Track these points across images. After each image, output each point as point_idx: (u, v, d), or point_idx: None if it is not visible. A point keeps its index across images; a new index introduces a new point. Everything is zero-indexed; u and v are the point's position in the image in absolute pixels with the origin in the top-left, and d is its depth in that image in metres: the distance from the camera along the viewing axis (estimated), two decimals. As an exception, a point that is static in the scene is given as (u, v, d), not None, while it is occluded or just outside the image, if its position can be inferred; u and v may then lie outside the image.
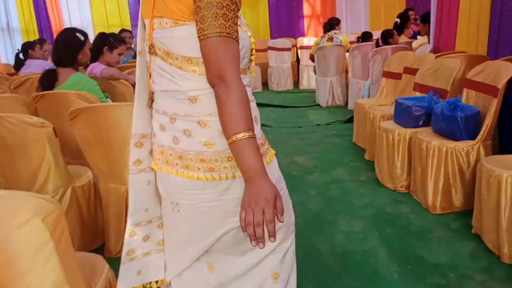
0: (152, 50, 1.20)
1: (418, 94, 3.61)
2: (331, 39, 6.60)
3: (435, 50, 4.62)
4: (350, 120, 5.45)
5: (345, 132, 5.06)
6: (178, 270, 1.34)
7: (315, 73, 6.92)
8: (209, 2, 1.04)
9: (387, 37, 5.44)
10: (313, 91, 7.32)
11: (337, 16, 9.24)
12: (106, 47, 3.38)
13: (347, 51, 6.54)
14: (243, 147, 1.05)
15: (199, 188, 1.19)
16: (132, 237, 1.34)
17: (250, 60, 1.23)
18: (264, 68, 9.22)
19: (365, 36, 6.23)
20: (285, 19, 9.91)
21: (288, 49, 8.95)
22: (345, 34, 7.01)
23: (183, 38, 1.12)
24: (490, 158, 2.55)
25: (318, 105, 6.88)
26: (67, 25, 8.73)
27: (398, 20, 6.07)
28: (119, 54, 3.48)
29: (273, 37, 9.95)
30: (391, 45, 5.28)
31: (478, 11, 3.88)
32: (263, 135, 1.26)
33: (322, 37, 6.72)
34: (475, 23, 3.95)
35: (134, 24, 9.22)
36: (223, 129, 1.09)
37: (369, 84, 5.52)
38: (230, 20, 1.07)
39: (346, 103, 6.58)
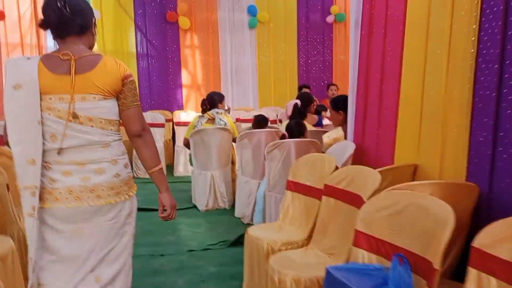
0: (70, 118, 1.71)
1: (363, 252, 1.95)
2: (212, 120, 4.94)
3: (359, 155, 3.13)
4: (239, 241, 3.70)
5: (231, 270, 3.26)
6: (73, 285, 1.79)
7: (191, 164, 5.14)
8: (130, 89, 1.81)
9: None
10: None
11: (222, 89, 7.76)
12: None
13: (234, 138, 4.93)
14: (160, 174, 1.94)
15: (105, 211, 1.80)
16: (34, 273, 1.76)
17: None
18: (129, 150, 7.23)
19: (259, 122, 4.64)
20: (158, 87, 8.15)
21: (160, 125, 7.13)
22: (229, 112, 5.38)
23: (109, 107, 1.78)
24: None
25: (195, 207, 5.04)
26: None
27: (298, 101, 4.63)
28: None
29: (144, 108, 8.06)
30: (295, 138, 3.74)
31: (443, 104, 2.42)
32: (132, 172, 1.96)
33: (200, 117, 5.02)
34: (438, 121, 2.47)
35: None
36: (145, 163, 1.91)
37: (265, 189, 3.87)
38: (138, 96, 1.86)
39: (233, 206, 4.84)
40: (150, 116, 7.08)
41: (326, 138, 3.68)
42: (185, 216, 4.76)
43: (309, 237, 2.69)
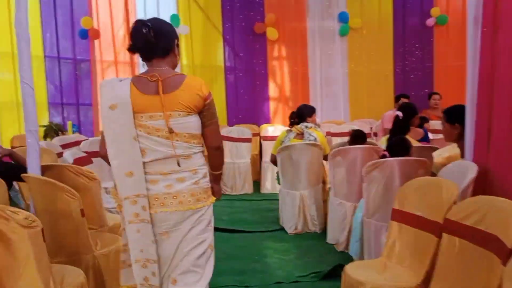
0: (166, 133, 1.91)
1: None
2: (301, 135, 4.54)
3: (484, 179, 2.52)
4: (333, 273, 3.26)
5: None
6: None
7: (278, 183, 4.78)
8: (210, 107, 2.00)
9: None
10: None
11: (311, 101, 7.36)
12: None
13: (325, 155, 4.49)
14: (219, 175, 2.23)
15: (186, 216, 1.98)
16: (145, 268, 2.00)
17: None
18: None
19: (357, 138, 4.14)
20: (245, 101, 7.95)
21: (247, 140, 6.88)
22: (319, 126, 4.92)
23: (193, 123, 1.97)
24: None
25: (283, 229, 4.65)
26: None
27: (399, 113, 4.07)
28: None
29: (231, 123, 7.92)
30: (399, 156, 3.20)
31: None
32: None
33: (288, 131, 4.65)
34: None
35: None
36: (214, 168, 2.19)
37: (363, 214, 3.36)
38: (216, 113, 2.06)
39: (324, 230, 4.38)
40: (237, 131, 6.88)
41: (437, 156, 3.10)
42: (272, 239, 4.39)
43: (424, 282, 2.16)
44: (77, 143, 5.52)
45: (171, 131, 1.89)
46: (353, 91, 7.93)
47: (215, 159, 2.17)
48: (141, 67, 7.97)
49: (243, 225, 4.88)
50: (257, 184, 6.84)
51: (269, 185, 6.61)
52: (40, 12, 6.69)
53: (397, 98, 6.46)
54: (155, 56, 1.95)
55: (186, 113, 1.92)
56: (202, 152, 2.07)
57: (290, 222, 4.53)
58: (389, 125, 6.27)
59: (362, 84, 7.96)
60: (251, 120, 7.88)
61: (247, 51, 7.95)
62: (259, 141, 7.69)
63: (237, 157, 6.76)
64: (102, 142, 1.96)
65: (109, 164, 1.96)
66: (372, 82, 7.96)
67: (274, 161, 4.72)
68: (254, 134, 7.28)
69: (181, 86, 1.92)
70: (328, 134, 6.51)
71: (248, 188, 6.60)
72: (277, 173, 4.81)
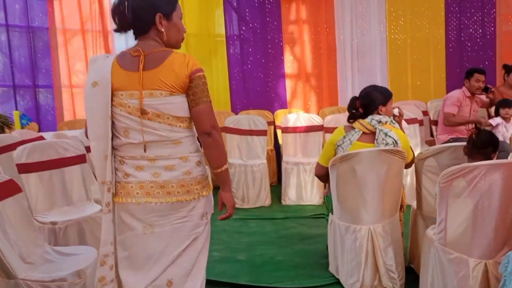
0: (140, 114, 1.74)
1: None
2: (370, 135, 2.78)
3: None
4: None
5: None
6: (144, 285, 1.82)
7: (328, 210, 3.05)
8: (198, 84, 1.75)
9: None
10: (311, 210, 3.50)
11: (339, 79, 5.63)
12: None
13: (409, 163, 2.77)
14: (225, 173, 1.86)
15: (176, 209, 1.81)
16: (103, 266, 1.82)
17: None
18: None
19: (484, 143, 2.40)
20: (254, 79, 6.15)
21: (262, 133, 5.13)
22: (400, 119, 3.07)
23: (177, 104, 1.76)
24: None
25: (338, 283, 2.94)
26: None
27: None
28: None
29: (235, 109, 6.13)
30: None
31: None
32: (206, 171, 1.89)
33: (348, 129, 2.86)
34: None
35: None
36: (211, 162, 1.84)
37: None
38: (208, 92, 1.79)
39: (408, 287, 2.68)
40: (247, 120, 5.12)
41: None
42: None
43: None
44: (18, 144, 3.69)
45: (143, 111, 1.75)
46: (394, 64, 6.14)
47: (209, 151, 1.84)
48: (115, 36, 6.29)
49: (273, 272, 3.18)
50: (274, 191, 5.12)
51: (293, 194, 4.90)
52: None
53: (468, 74, 4.71)
54: (138, 34, 1.84)
55: (168, 93, 1.75)
56: (195, 136, 1.87)
57: (352, 274, 2.81)
58: (451, 109, 4.57)
59: (405, 56, 6.17)
60: (262, 105, 6.12)
61: (255, 15, 6.12)
62: (274, 133, 5.97)
63: (248, 157, 5.02)
64: (86, 125, 1.87)
65: None
66: (418, 54, 6.20)
67: (322, 176, 2.99)
68: (268, 123, 5.51)
69: (164, 62, 1.77)
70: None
71: (265, 199, 4.88)
72: (326, 196, 3.09)
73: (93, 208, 3.22)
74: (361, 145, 2.77)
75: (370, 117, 2.82)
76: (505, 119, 4.63)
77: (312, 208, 4.70)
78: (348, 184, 2.79)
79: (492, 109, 5.23)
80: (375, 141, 2.75)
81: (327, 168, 2.88)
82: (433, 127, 5.19)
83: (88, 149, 4.00)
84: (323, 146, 5.14)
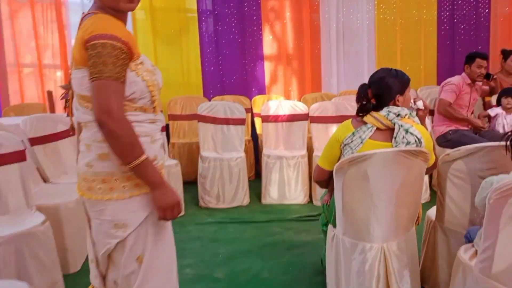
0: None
1: None
2: (387, 131, 2.22)
3: None
4: None
5: None
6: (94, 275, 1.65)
7: (330, 221, 2.50)
8: (91, 56, 1.35)
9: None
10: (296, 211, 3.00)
11: (323, 62, 5.09)
12: None
13: (430, 166, 2.25)
14: (142, 167, 1.41)
15: (89, 204, 1.53)
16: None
17: (153, 101, 1.50)
18: (192, 159, 4.75)
19: None
20: (229, 61, 5.50)
21: (240, 122, 4.52)
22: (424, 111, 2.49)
23: (78, 79, 1.43)
24: None
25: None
26: None
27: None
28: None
29: (207, 93, 5.48)
30: None
31: None
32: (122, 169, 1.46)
33: (358, 124, 2.29)
34: None
35: None
36: (119, 159, 1.43)
37: None
38: (119, 67, 1.36)
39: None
40: (223, 107, 4.49)
41: None
42: None
43: None
44: None
45: (66, 87, 1.62)
46: (383, 47, 5.61)
47: (110, 142, 1.40)
48: (69, 8, 5.51)
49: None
50: (253, 187, 4.54)
51: (275, 193, 4.33)
52: None
53: (469, 59, 4.25)
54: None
55: (75, 66, 1.46)
56: None
57: (359, 301, 2.29)
58: (449, 96, 4.10)
59: (394, 38, 5.65)
60: (238, 90, 5.47)
61: (231, -12, 5.43)
62: (251, 121, 5.38)
63: (224, 149, 4.40)
64: None
65: None
66: (409, 36, 5.68)
67: (323, 181, 2.42)
68: (245, 111, 4.89)
69: (79, 29, 1.46)
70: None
71: (243, 198, 4.28)
72: (325, 204, 2.54)
73: (35, 219, 2.56)
74: (376, 144, 2.21)
75: (386, 109, 2.25)
76: (507, 109, 4.21)
77: (297, 209, 4.14)
78: (357, 191, 2.23)
79: (490, 99, 4.82)
80: (393, 140, 2.20)
81: (330, 171, 2.31)
82: (427, 118, 4.72)
83: (32, 140, 3.33)
84: (308, 138, 4.61)
